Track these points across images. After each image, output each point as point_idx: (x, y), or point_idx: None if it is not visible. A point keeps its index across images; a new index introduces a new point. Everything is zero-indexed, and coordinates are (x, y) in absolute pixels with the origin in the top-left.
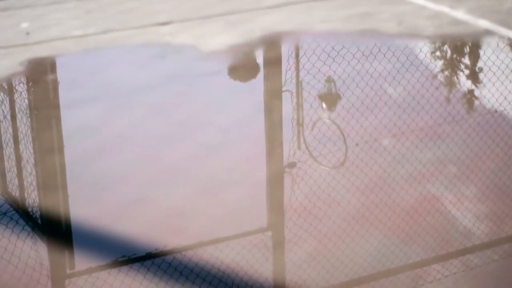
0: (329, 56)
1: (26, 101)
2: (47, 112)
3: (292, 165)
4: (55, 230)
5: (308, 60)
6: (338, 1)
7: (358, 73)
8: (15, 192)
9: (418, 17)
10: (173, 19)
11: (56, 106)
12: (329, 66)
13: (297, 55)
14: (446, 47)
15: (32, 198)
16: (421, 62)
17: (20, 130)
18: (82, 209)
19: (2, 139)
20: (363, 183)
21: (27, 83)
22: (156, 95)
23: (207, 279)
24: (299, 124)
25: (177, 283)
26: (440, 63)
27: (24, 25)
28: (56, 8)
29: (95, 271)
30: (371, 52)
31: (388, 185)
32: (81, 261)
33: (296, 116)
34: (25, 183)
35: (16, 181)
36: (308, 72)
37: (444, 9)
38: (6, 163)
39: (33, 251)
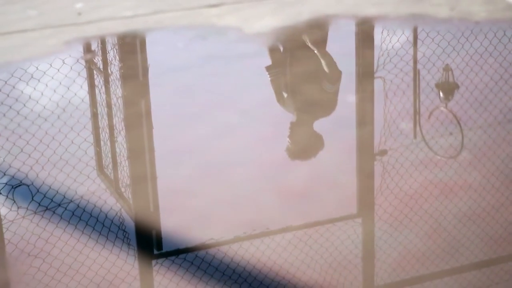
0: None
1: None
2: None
3: (383, 152)
4: (144, 210)
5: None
6: None
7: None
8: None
9: (472, 2)
10: (225, 1)
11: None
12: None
13: (415, 40)
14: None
15: (123, 179)
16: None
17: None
18: (168, 187)
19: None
20: (460, 178)
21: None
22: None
23: (295, 264)
24: (416, 112)
25: (265, 266)
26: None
27: (78, 5)
28: None
29: (182, 253)
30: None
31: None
32: (169, 242)
33: (413, 104)
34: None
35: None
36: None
37: None
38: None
39: (121, 231)
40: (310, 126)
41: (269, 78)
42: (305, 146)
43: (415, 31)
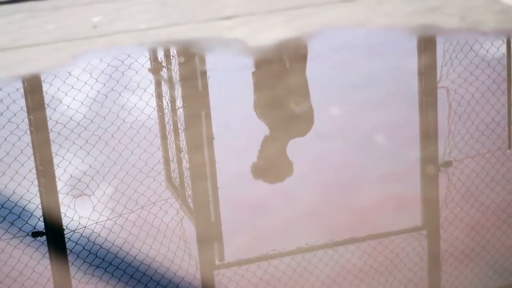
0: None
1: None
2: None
3: (448, 163)
4: (205, 220)
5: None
6: None
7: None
8: (175, 180)
9: (485, 12)
10: (239, 13)
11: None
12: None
13: (508, 47)
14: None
15: (186, 187)
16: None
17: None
18: (229, 197)
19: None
20: None
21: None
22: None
23: (359, 276)
24: (511, 122)
25: (328, 278)
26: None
27: (96, 19)
28: (137, 2)
29: (245, 263)
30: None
31: None
32: (231, 252)
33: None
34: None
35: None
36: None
37: None
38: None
39: (182, 241)
40: (284, 147)
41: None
42: (272, 167)
43: (508, 40)
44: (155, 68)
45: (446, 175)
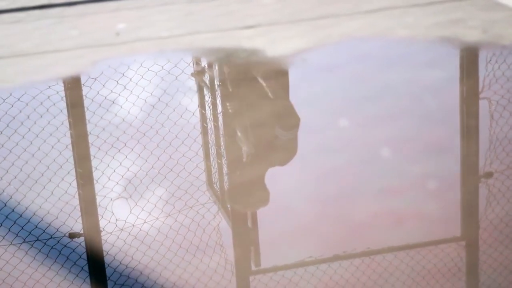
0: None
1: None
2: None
3: (489, 175)
4: (242, 225)
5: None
6: (437, 7)
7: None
8: (216, 185)
9: (509, 25)
10: (262, 22)
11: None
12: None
13: None
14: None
15: (220, 191)
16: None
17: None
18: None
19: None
20: None
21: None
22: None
23: (396, 285)
24: None
25: (365, 286)
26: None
27: (121, 26)
28: (161, 10)
29: (281, 269)
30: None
31: None
32: (267, 258)
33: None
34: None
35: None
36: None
37: None
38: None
39: (218, 245)
40: (262, 175)
41: (229, 111)
42: (247, 196)
43: None
44: (198, 73)
45: (487, 186)
